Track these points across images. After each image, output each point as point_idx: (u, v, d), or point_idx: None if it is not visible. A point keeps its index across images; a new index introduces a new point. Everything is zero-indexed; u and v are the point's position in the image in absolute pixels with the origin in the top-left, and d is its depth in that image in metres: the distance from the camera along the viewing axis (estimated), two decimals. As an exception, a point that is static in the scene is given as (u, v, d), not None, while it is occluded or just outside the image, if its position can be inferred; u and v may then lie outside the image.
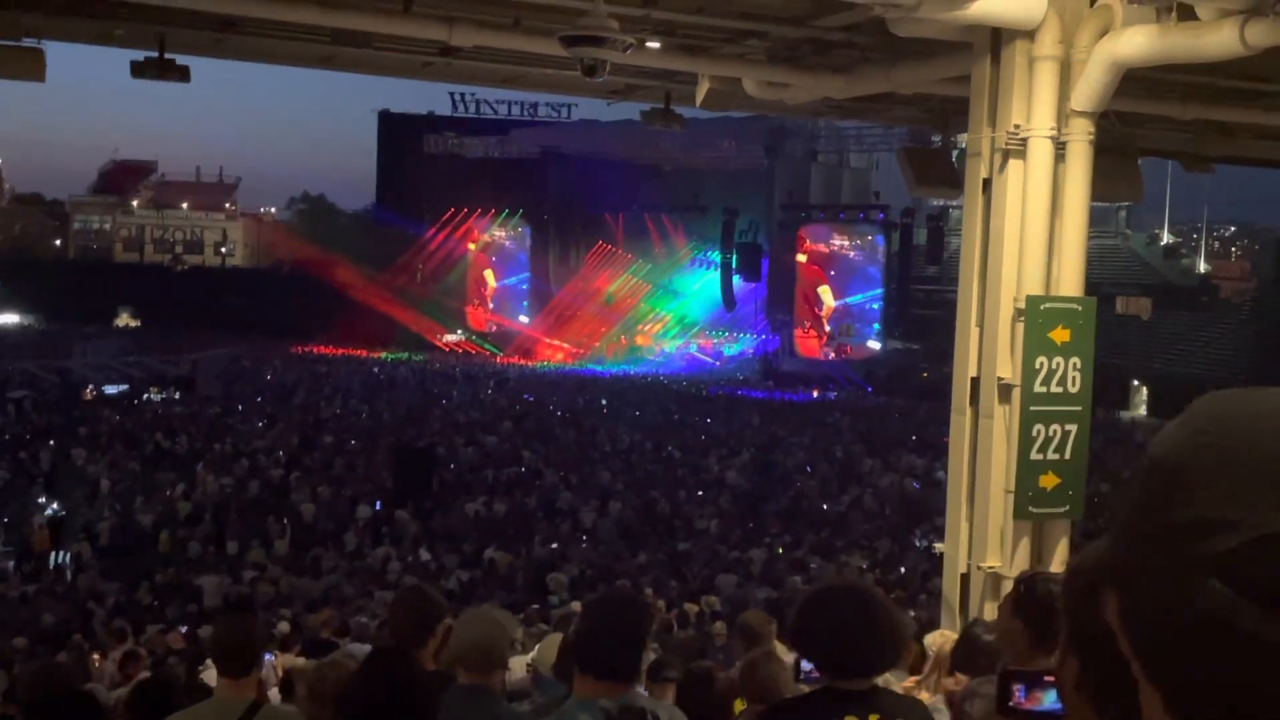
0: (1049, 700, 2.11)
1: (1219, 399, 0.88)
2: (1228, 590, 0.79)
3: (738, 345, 59.85)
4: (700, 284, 60.61)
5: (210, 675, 8.25)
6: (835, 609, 3.57)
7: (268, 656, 9.29)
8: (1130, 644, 0.87)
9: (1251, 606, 0.78)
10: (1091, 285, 8.82)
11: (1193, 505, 0.83)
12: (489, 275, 68.69)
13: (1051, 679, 2.08)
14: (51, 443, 29.30)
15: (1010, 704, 2.15)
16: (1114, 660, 0.90)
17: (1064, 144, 7.92)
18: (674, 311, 62.45)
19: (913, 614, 11.44)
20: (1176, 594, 0.82)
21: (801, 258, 56.26)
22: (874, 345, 55.34)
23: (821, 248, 56.12)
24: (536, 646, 6.86)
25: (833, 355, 55.66)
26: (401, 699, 3.56)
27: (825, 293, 56.17)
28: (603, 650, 3.39)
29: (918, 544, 20.96)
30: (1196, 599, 0.80)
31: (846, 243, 56.09)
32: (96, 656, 12.56)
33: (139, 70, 10.36)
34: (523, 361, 60.64)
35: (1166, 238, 60.75)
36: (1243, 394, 0.88)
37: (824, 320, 56.44)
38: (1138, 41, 7.54)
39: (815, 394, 49.25)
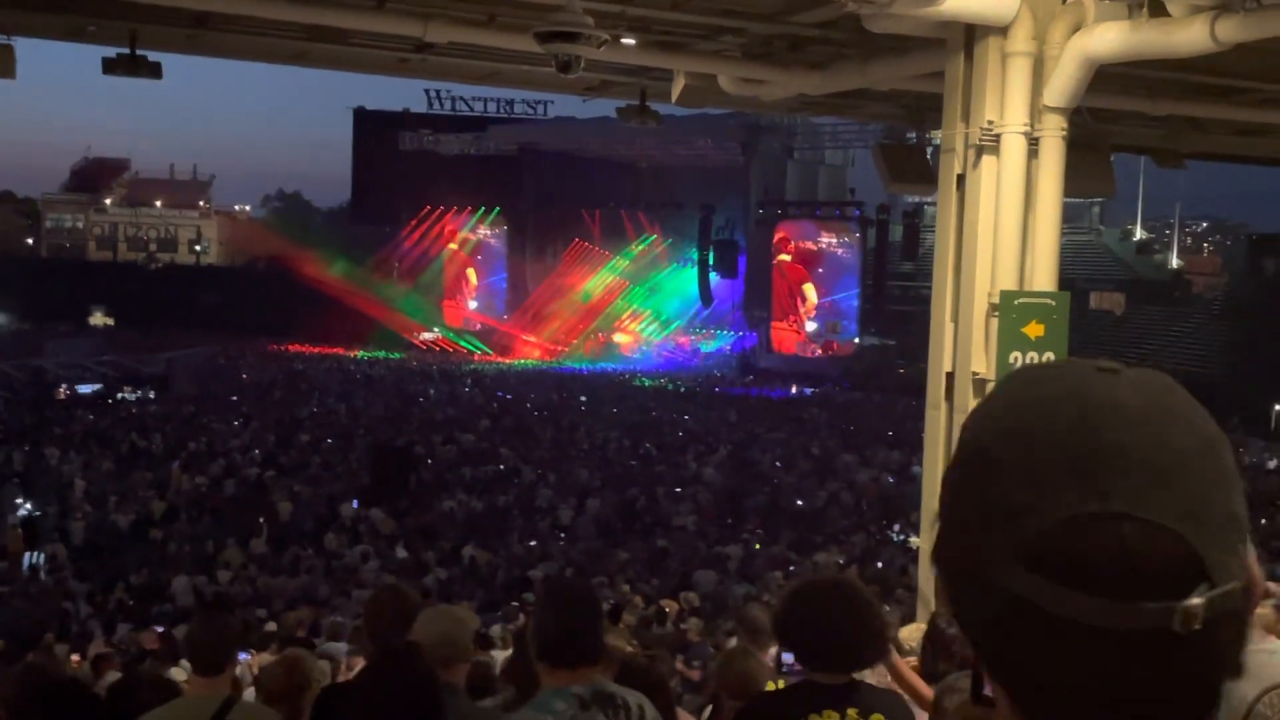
0: None
1: (1018, 380, 0.90)
2: (1034, 575, 0.81)
3: (715, 342, 59.90)
4: (677, 281, 60.62)
5: (180, 674, 8.22)
6: (818, 603, 3.59)
7: (243, 655, 9.27)
8: (958, 624, 0.91)
9: (1058, 589, 0.81)
10: (1065, 281, 8.87)
11: (994, 491, 0.85)
12: (467, 273, 68.53)
13: None
14: (25, 443, 29.05)
15: (984, 693, 2.16)
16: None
17: (1037, 140, 7.97)
18: (651, 308, 62.44)
19: (890, 608, 11.48)
20: (989, 579, 0.84)
21: (785, 257, 56.38)
22: (858, 341, 55.57)
23: (809, 245, 56.21)
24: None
25: (819, 352, 55.81)
26: (411, 698, 3.56)
27: (809, 289, 56.31)
28: (563, 638, 3.41)
29: (895, 539, 21.05)
30: (1008, 583, 0.83)
31: (834, 240, 56.20)
32: (75, 658, 12.48)
33: (110, 67, 10.28)
34: (500, 359, 60.52)
35: (1139, 234, 61.17)
36: (1039, 373, 0.90)
37: (804, 317, 56.58)
38: (1109, 37, 7.60)
39: (793, 390, 49.37)
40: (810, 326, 56.62)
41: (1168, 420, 0.85)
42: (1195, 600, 0.80)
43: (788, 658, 4.05)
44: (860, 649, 3.56)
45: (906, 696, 4.19)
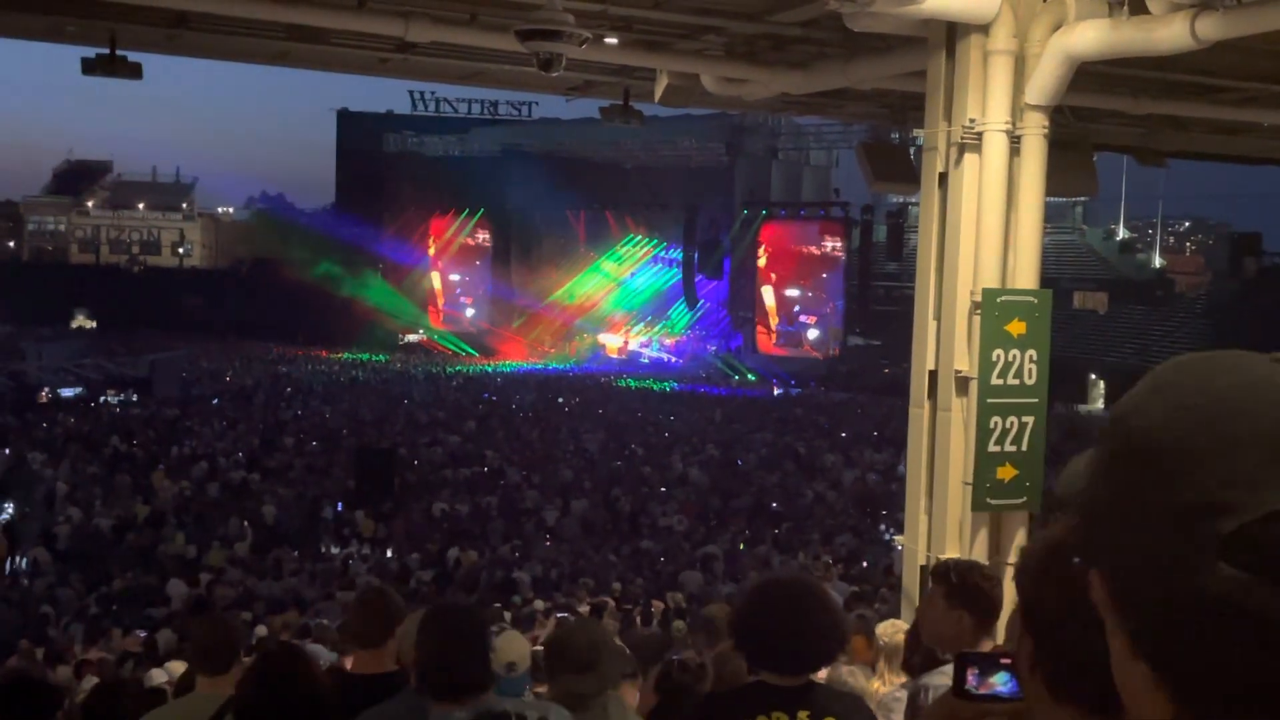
0: (1003, 683, 2.12)
1: (1191, 368, 0.86)
2: (1236, 571, 0.77)
3: (700, 343, 59.94)
4: (662, 282, 60.64)
5: (160, 676, 8.16)
6: (770, 605, 3.55)
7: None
8: (1126, 629, 0.85)
9: (1262, 586, 0.77)
10: (1048, 280, 8.89)
11: (1191, 486, 0.80)
12: (451, 274, 68.41)
13: (1007, 660, 2.09)
14: (6, 447, 28.87)
15: (965, 688, 2.15)
16: (1068, 641, 0.89)
17: (1019, 138, 7.98)
18: (636, 310, 62.45)
19: (876, 607, 11.49)
20: (1181, 577, 0.80)
21: (761, 260, 56.55)
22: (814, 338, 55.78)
23: (789, 248, 56.35)
24: (496, 645, 6.80)
25: (783, 352, 55.99)
26: (291, 698, 3.55)
27: (767, 292, 56.53)
28: (441, 670, 3.35)
29: (881, 538, 21.08)
30: (1203, 581, 0.78)
31: (812, 243, 56.32)
32: (51, 671, 12.39)
33: (90, 67, 10.21)
34: (485, 361, 60.43)
35: (1122, 233, 61.39)
36: (1215, 361, 0.86)
37: (770, 319, 56.71)
38: (1090, 35, 7.61)
39: (778, 390, 49.43)
40: (776, 328, 56.76)
41: None
42: None
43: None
44: (814, 651, 3.51)
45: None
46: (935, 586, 4.10)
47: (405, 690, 4.15)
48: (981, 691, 2.14)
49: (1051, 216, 9.57)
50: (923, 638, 4.50)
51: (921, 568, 8.39)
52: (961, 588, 3.86)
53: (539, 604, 15.01)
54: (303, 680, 3.66)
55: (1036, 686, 1.78)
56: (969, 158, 8.00)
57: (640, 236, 61.07)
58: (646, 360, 59.45)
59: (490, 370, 55.75)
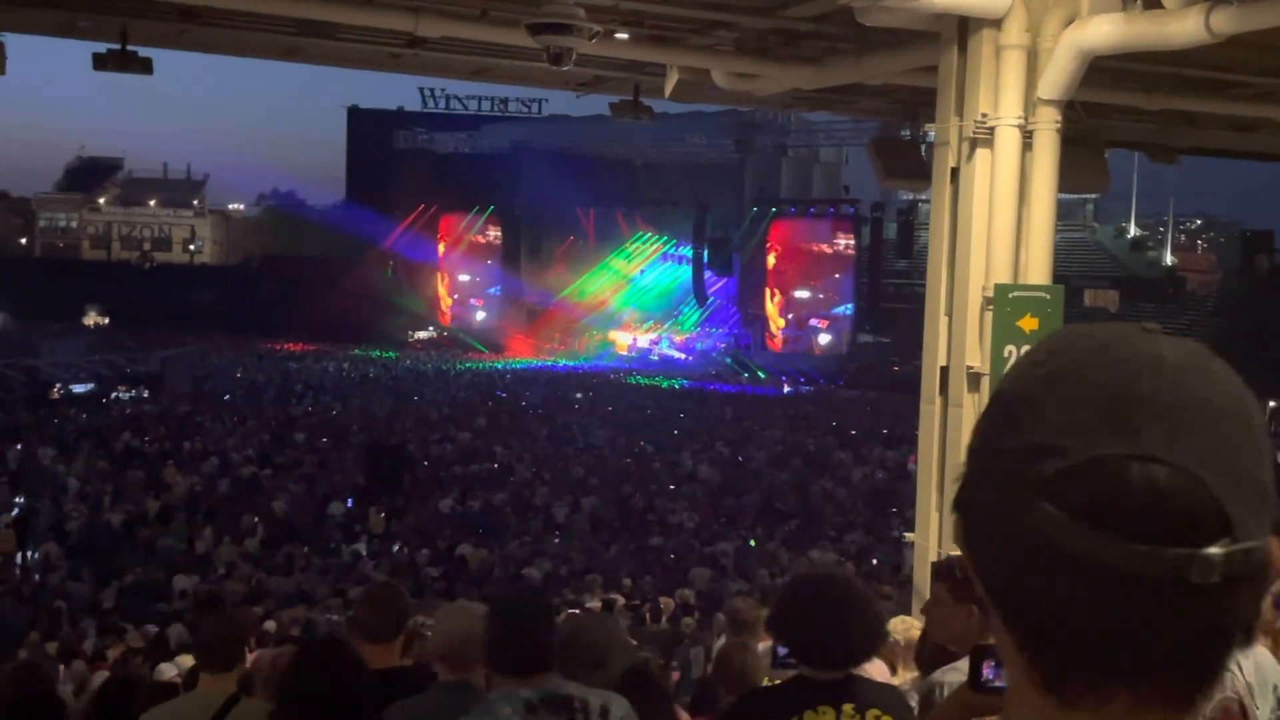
0: None
1: (1058, 334, 0.92)
2: (1057, 511, 0.82)
3: (709, 340, 59.90)
4: (672, 279, 60.61)
5: (170, 671, 8.17)
6: (814, 598, 3.54)
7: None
8: (973, 567, 0.91)
9: (1079, 526, 0.81)
10: (1059, 278, 8.86)
11: (1025, 432, 0.86)
12: (460, 271, 68.46)
13: None
14: (19, 443, 28.96)
15: (982, 681, 2.14)
16: None
17: (1031, 133, 7.95)
18: (646, 306, 62.42)
19: (885, 604, 11.46)
20: (1009, 517, 0.85)
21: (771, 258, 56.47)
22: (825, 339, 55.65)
23: (798, 245, 56.28)
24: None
25: (782, 349, 55.99)
26: (336, 688, 3.55)
27: (766, 292, 56.52)
28: (511, 650, 3.40)
29: (890, 536, 21.03)
30: (1028, 520, 0.83)
31: (820, 241, 56.22)
32: (62, 667, 12.42)
33: (101, 62, 10.24)
34: (495, 357, 60.47)
35: (1133, 231, 61.15)
36: (1079, 329, 0.91)
37: (773, 318, 56.66)
38: (1104, 30, 7.57)
39: (787, 388, 49.37)
40: (781, 332, 56.71)
41: (1205, 378, 0.86)
42: (1215, 550, 0.80)
43: (783, 651, 4.01)
44: (856, 645, 3.51)
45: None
46: (939, 584, 4.07)
47: (434, 686, 4.15)
48: (999, 684, 2.12)
49: (1062, 214, 9.53)
50: (932, 637, 4.47)
51: (933, 564, 8.37)
52: (966, 582, 3.83)
53: (554, 605, 15.00)
54: (348, 669, 3.66)
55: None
56: (981, 153, 7.97)
57: (650, 233, 61.04)
58: (656, 357, 59.41)
59: (500, 367, 55.78)
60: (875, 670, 5.30)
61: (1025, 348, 7.73)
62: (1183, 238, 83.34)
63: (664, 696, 4.82)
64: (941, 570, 4.11)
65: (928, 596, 8.34)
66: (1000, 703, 2.26)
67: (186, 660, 8.59)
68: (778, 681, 4.04)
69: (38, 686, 5.72)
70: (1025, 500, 0.84)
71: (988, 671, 2.12)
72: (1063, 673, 0.85)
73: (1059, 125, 8.01)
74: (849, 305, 55.25)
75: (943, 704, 3.23)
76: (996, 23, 7.86)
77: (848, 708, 3.41)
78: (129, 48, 10.27)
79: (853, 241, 54.89)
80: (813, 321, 56.30)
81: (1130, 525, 0.80)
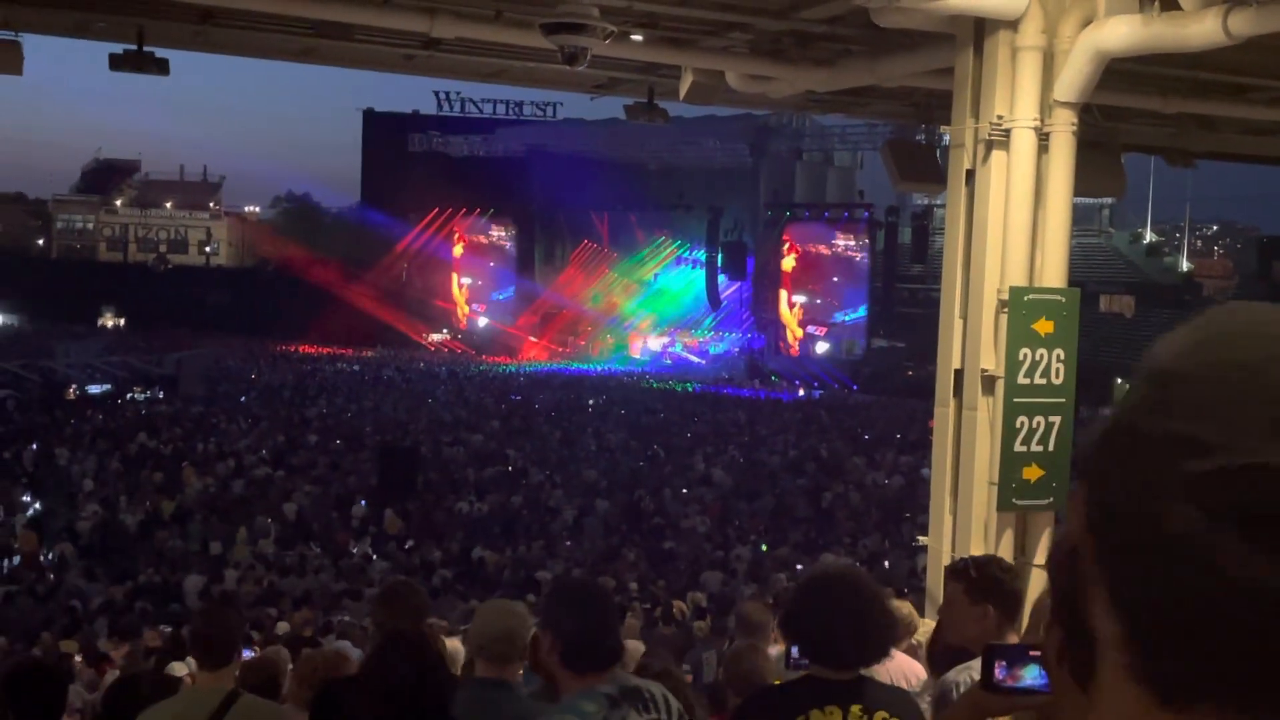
0: (1031, 675, 2.09)
1: (1234, 311, 0.82)
2: (1198, 511, 0.74)
3: (723, 344, 59.85)
4: (686, 283, 60.59)
5: (182, 669, 8.20)
6: (824, 597, 3.52)
7: (246, 652, 9.23)
8: (1088, 547, 0.83)
9: (1218, 533, 0.74)
10: (1074, 283, 8.78)
11: (1177, 418, 0.77)
12: (475, 274, 68.56)
13: (1036, 653, 2.05)
14: (35, 443, 29.10)
15: (994, 680, 2.12)
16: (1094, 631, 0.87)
17: (1047, 135, 7.90)
18: (659, 310, 62.42)
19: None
20: (1146, 508, 0.77)
21: (788, 262, 56.30)
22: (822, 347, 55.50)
23: (810, 249, 56.16)
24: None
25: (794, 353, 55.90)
26: (419, 681, 3.53)
27: (780, 296, 56.39)
28: (587, 641, 3.30)
29: (904, 540, 20.96)
30: (1167, 517, 0.76)
31: (830, 246, 56.09)
32: (78, 659, 12.48)
33: (117, 63, 10.28)
34: (508, 360, 60.53)
35: (1149, 236, 60.89)
36: (1258, 309, 0.82)
37: (784, 323, 56.55)
38: (1121, 31, 7.53)
39: (801, 393, 49.29)
40: (797, 337, 56.60)
41: None
42: None
43: (796, 652, 3.99)
44: (866, 645, 3.48)
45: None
46: (954, 584, 4.05)
47: (470, 681, 4.15)
48: (1010, 684, 2.11)
49: (1078, 219, 9.45)
50: (948, 639, 4.45)
51: (945, 568, 8.33)
52: (982, 582, 3.82)
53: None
54: (431, 663, 3.65)
55: (1065, 678, 1.74)
56: (996, 155, 7.93)
57: (664, 237, 61.05)
58: (669, 361, 59.40)
59: (514, 370, 55.84)
60: (908, 667, 5.29)
61: (1041, 351, 7.72)
62: (1199, 243, 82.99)
63: (686, 696, 4.80)
64: (957, 571, 4.09)
65: (939, 600, 8.31)
66: (1009, 703, 2.25)
67: (180, 667, 8.66)
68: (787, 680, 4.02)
69: (41, 664, 5.74)
70: (1167, 495, 0.76)
71: (999, 671, 2.10)
72: (1181, 683, 0.77)
73: (1075, 128, 7.97)
74: (863, 309, 55.10)
75: (954, 704, 3.21)
76: (1013, 24, 7.82)
77: (855, 709, 3.39)
78: (145, 49, 10.31)
79: (867, 246, 54.78)
80: (810, 329, 56.19)
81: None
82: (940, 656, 4.79)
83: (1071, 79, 7.76)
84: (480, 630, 4.25)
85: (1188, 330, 0.83)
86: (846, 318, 55.51)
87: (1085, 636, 0.93)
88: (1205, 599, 0.75)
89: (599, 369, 56.93)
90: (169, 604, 16.92)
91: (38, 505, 23.22)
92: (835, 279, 55.99)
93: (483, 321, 67.68)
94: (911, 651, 6.21)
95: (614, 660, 3.35)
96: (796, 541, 21.49)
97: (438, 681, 3.60)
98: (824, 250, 56.37)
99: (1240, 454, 0.74)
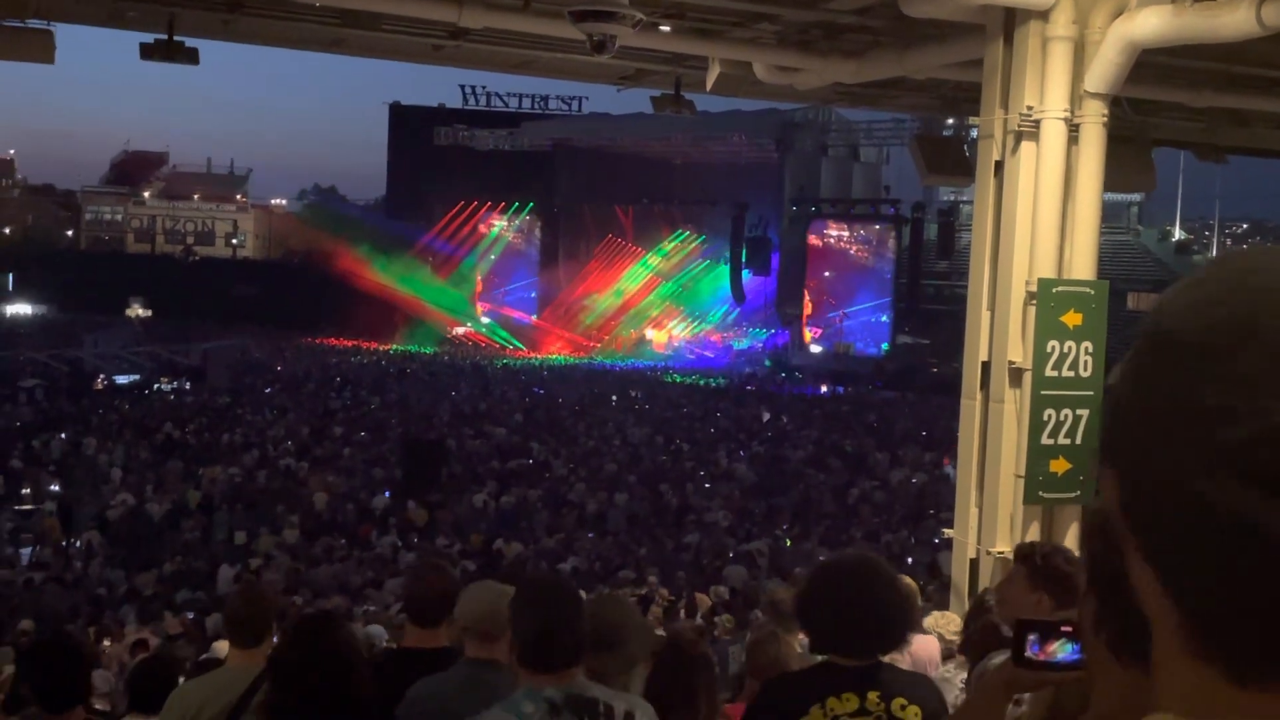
0: (1064, 651, 2.07)
1: (1239, 261, 0.78)
2: (1245, 484, 0.71)
3: (747, 340, 59.75)
4: (710, 278, 60.51)
5: (221, 649, 8.24)
6: (839, 584, 3.50)
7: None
8: (1125, 524, 0.81)
9: (1268, 501, 0.71)
10: (1102, 280, 8.73)
11: (1204, 388, 0.74)
12: (499, 268, 68.66)
13: (1068, 629, 2.04)
14: (62, 433, 29.36)
15: (1025, 655, 2.11)
16: (1132, 599, 0.85)
17: (1077, 126, 7.86)
18: (684, 305, 62.38)
19: (923, 604, 11.38)
20: (1185, 483, 0.74)
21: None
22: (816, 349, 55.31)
23: (832, 244, 56.02)
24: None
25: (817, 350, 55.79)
26: (327, 663, 3.56)
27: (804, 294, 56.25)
28: (539, 639, 3.23)
29: (927, 536, 20.88)
30: (1208, 488, 0.73)
31: (855, 241, 55.92)
32: (106, 642, 12.59)
33: (148, 52, 10.34)
34: (532, 354, 60.61)
35: (1178, 234, 60.48)
36: (1260, 261, 0.78)
37: (805, 319, 56.42)
38: (1152, 22, 7.47)
39: (824, 389, 49.15)
40: (813, 329, 56.49)
41: None
42: None
43: (809, 640, 3.97)
44: (882, 632, 3.46)
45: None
46: (1018, 567, 4.06)
47: (460, 662, 4.15)
48: (1041, 659, 2.10)
49: (1106, 216, 9.40)
50: (1000, 616, 4.45)
51: (971, 560, 8.30)
52: (1045, 570, 3.82)
53: (582, 595, 15.00)
54: (337, 643, 3.68)
55: (1099, 647, 1.73)
56: (1026, 146, 7.89)
57: (688, 232, 60.99)
58: (693, 356, 59.35)
59: (537, 364, 55.91)
60: (927, 652, 5.26)
61: (1069, 343, 7.67)
62: (1229, 241, 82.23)
63: (705, 663, 4.74)
64: (1023, 554, 4.10)
65: (965, 593, 8.28)
66: (1040, 679, 2.24)
67: (223, 646, 8.67)
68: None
69: (65, 637, 5.79)
70: (1209, 467, 0.73)
71: (1031, 646, 2.09)
72: (1254, 662, 0.75)
73: (1105, 119, 7.92)
74: (886, 304, 54.88)
75: (985, 679, 3.20)
76: (1044, 14, 7.78)
77: (872, 695, 3.37)
78: (175, 38, 10.37)
79: (893, 243, 54.58)
80: (810, 328, 56.12)
81: None
82: (977, 638, 4.79)
83: (1102, 70, 7.71)
84: (465, 610, 4.23)
85: (1193, 289, 0.79)
86: (873, 319, 55.32)
87: (1124, 609, 0.91)
88: (1262, 573, 0.72)
89: (623, 363, 56.94)
90: (195, 592, 17.04)
91: (62, 494, 23.41)
92: (859, 275, 55.81)
93: (506, 315, 67.78)
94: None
95: (571, 662, 3.23)
96: (820, 537, 21.45)
97: (342, 665, 3.62)
98: (848, 246, 56.18)
99: (1271, 416, 0.71)
